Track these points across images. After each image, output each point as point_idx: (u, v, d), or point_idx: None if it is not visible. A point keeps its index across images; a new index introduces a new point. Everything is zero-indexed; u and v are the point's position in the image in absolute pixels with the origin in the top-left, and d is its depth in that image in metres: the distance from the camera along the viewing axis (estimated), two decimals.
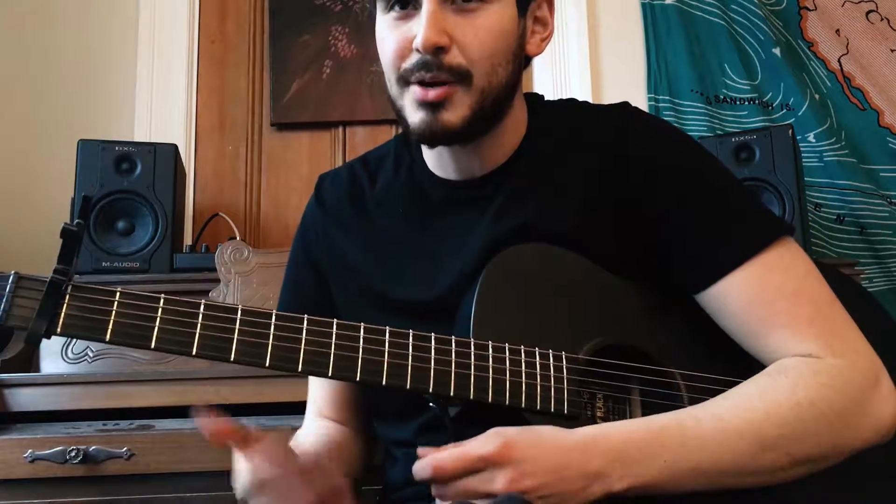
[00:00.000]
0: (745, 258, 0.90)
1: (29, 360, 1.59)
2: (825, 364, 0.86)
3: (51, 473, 1.35)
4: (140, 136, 2.22)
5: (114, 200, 1.83)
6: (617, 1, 2.42)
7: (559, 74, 2.35)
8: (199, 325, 0.78)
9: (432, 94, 0.89)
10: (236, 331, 0.79)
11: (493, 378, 0.84)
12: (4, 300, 0.75)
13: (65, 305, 0.76)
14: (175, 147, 1.91)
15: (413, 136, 0.93)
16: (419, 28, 0.88)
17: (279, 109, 2.35)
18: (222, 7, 2.43)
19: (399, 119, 0.95)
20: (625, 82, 2.35)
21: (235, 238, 1.95)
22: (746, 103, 2.34)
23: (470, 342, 0.84)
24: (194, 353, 0.78)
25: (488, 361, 0.84)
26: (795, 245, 0.93)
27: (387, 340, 0.82)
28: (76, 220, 0.80)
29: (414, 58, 0.89)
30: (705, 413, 0.84)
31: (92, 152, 1.83)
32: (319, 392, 1.11)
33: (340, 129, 2.38)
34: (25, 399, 1.46)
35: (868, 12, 2.45)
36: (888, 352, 0.90)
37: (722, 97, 2.35)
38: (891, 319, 1.04)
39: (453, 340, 0.84)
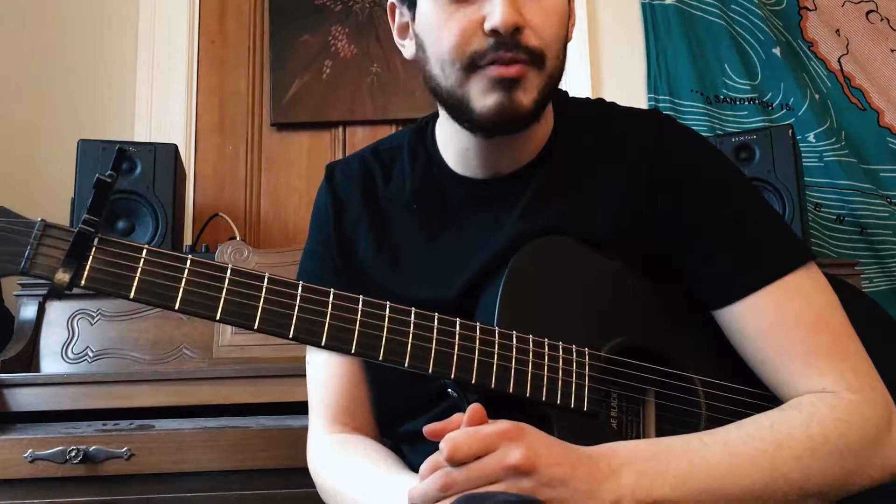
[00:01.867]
0: (767, 281, 0.88)
1: (29, 360, 1.59)
2: (841, 399, 0.84)
3: (51, 473, 1.35)
4: (140, 136, 2.22)
5: (114, 200, 1.82)
6: (617, 1, 2.42)
7: None
8: (224, 289, 0.76)
9: (513, 69, 0.86)
10: (262, 299, 0.77)
11: (515, 369, 0.82)
12: (29, 247, 0.73)
13: (91, 258, 0.74)
14: (175, 147, 1.91)
15: (483, 120, 0.89)
16: (494, 8, 0.84)
17: (279, 109, 2.35)
18: (222, 7, 2.43)
19: (454, 111, 0.91)
20: (625, 82, 2.35)
21: (235, 238, 1.95)
22: (746, 103, 2.33)
23: (494, 330, 0.83)
24: (218, 317, 0.76)
25: (512, 352, 0.83)
26: (819, 273, 0.91)
27: (412, 322, 0.81)
28: (108, 172, 0.77)
29: (486, 41, 0.86)
30: (714, 439, 0.82)
31: (92, 152, 1.83)
32: (332, 397, 1.02)
33: (340, 128, 2.37)
34: (25, 399, 1.46)
35: (868, 12, 2.45)
36: (888, 352, 0.90)
37: (722, 97, 2.35)
38: (891, 320, 1.04)
39: (478, 327, 0.83)
